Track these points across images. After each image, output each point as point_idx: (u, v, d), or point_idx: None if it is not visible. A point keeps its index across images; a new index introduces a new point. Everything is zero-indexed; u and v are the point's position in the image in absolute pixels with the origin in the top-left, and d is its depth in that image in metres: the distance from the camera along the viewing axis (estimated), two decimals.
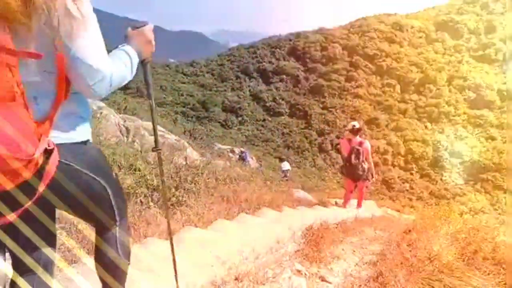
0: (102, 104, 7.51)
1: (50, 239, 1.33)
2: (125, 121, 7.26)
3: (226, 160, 9.76)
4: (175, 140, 8.30)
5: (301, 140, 44.88)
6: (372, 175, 6.83)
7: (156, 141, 1.68)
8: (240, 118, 48.26)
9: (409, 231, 4.43)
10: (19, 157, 0.88)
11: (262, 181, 7.15)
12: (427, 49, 55.94)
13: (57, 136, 1.10)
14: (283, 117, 49.00)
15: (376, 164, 42.30)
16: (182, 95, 49.94)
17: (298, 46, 60.26)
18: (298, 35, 64.02)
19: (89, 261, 2.06)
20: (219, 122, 46.71)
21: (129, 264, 1.49)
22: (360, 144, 6.63)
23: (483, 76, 49.12)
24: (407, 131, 45.34)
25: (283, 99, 51.48)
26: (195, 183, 4.57)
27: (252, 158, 16.35)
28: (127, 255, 1.48)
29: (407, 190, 37.30)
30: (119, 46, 1.28)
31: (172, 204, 3.67)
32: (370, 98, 51.27)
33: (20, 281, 1.26)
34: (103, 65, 1.10)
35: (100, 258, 1.42)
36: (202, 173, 4.92)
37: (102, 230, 1.39)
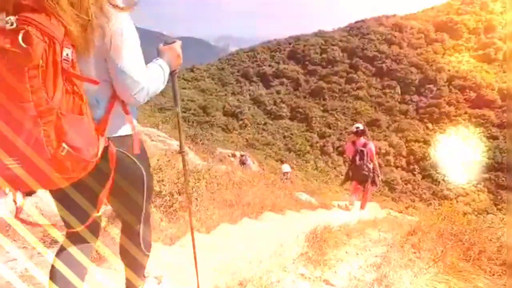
0: None
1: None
2: None
3: (228, 164, 9.78)
4: (177, 145, 8.32)
5: (303, 143, 44.89)
6: (378, 175, 6.91)
7: (181, 144, 1.88)
8: (241, 122, 48.35)
9: (413, 232, 4.42)
10: (86, 158, 1.16)
11: (264, 184, 7.15)
12: (426, 49, 56.02)
13: (111, 130, 1.33)
14: (284, 121, 49.04)
15: (379, 166, 42.13)
16: (183, 100, 50.02)
17: (297, 49, 60.46)
18: (297, 38, 64.23)
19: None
20: (220, 126, 46.79)
21: (148, 256, 1.72)
22: (364, 145, 6.75)
23: (484, 76, 49.10)
24: (408, 132, 45.32)
25: (283, 102, 51.58)
26: (196, 188, 4.57)
27: (253, 162, 16.34)
28: (149, 248, 1.71)
29: (409, 191, 37.19)
30: (154, 60, 1.49)
31: (174, 210, 3.68)
32: (371, 100, 51.31)
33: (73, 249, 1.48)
34: (143, 78, 1.31)
35: (125, 256, 1.67)
36: (204, 178, 4.92)
37: (128, 226, 1.62)
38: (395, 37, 58.62)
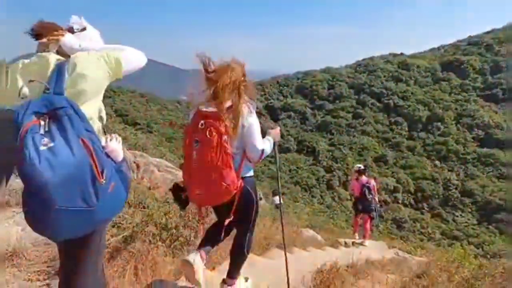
0: None
1: None
2: (135, 157, 7.33)
3: None
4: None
5: (309, 177, 44.54)
6: (375, 209, 7.99)
7: (280, 198, 3.17)
8: None
9: (422, 275, 4.28)
10: (233, 189, 2.17)
11: (270, 219, 7.05)
12: (433, 88, 56.63)
13: (242, 173, 2.29)
14: (290, 154, 49.02)
15: (386, 203, 41.72)
16: None
17: (305, 84, 61.55)
18: (305, 73, 65.55)
19: None
20: None
21: (247, 256, 2.65)
22: (368, 182, 7.85)
23: (492, 115, 49.15)
24: (416, 168, 44.88)
25: (290, 135, 51.80)
26: (202, 221, 4.52)
27: (261, 198, 16.26)
28: (248, 251, 2.60)
29: (418, 230, 36.25)
30: (266, 136, 2.51)
31: (180, 244, 3.63)
32: (378, 135, 51.36)
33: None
34: (262, 146, 2.30)
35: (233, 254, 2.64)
36: (211, 212, 4.88)
37: (239, 234, 2.56)
38: (402, 74, 59.56)
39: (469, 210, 38.71)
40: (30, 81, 1.48)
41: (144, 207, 4.13)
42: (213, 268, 3.38)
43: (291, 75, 67.78)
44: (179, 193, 2.43)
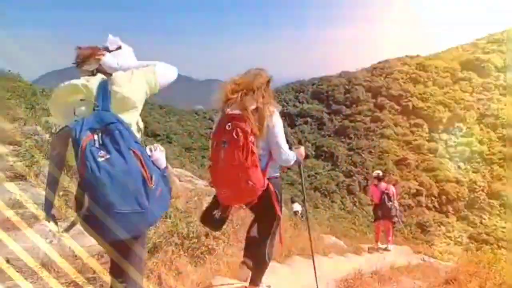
0: None
1: None
2: None
3: None
4: (204, 185, 8.40)
5: (328, 182, 44.04)
6: (397, 215, 7.97)
7: (305, 208, 3.86)
8: None
9: (451, 281, 4.15)
10: (259, 188, 2.25)
11: (290, 226, 7.00)
12: (453, 88, 55.25)
13: (269, 174, 2.39)
14: (309, 160, 48.64)
15: (409, 207, 40.73)
16: (208, 139, 51.00)
17: (321, 90, 61.21)
18: (321, 78, 65.24)
19: None
20: None
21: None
22: (387, 188, 7.85)
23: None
24: (439, 171, 43.70)
25: (308, 141, 51.47)
26: (223, 230, 4.54)
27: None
28: (271, 256, 2.65)
29: (444, 234, 35.18)
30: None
31: (201, 253, 3.65)
32: (398, 138, 50.41)
33: None
34: (288, 150, 2.44)
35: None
36: (231, 221, 4.89)
37: (258, 246, 2.53)
38: (420, 76, 58.42)
39: (497, 212, 37.31)
40: (81, 100, 1.69)
41: (166, 217, 4.18)
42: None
43: (306, 80, 67.55)
44: (212, 213, 2.48)
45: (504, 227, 34.62)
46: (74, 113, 1.66)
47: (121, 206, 1.50)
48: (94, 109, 1.64)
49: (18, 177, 4.04)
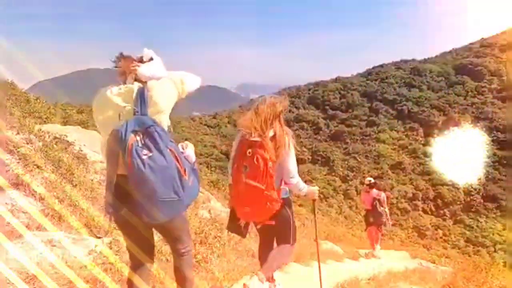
0: None
1: None
2: None
3: None
4: (200, 193, 8.35)
5: (325, 187, 44.02)
6: (388, 220, 8.12)
7: (316, 232, 3.42)
8: None
9: (448, 286, 4.13)
10: (275, 208, 2.49)
11: None
12: (448, 92, 55.71)
13: (281, 195, 2.57)
14: (305, 165, 48.66)
15: (405, 211, 40.75)
16: (205, 146, 50.95)
17: (317, 95, 61.45)
18: (316, 84, 65.54)
19: None
20: None
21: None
22: (379, 195, 7.93)
23: (511, 117, 47.84)
24: (435, 174, 43.84)
25: (304, 146, 51.53)
26: (219, 239, 4.50)
27: None
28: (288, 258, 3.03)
29: (440, 238, 35.19)
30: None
31: (197, 261, 3.60)
32: (393, 142, 50.61)
33: None
34: (296, 173, 2.59)
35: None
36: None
37: (279, 242, 2.72)
38: (414, 80, 58.88)
39: (493, 215, 37.43)
40: (124, 106, 1.93)
41: None
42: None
43: (302, 86, 67.82)
44: (238, 223, 2.73)
45: (500, 230, 34.72)
46: (119, 118, 1.90)
47: (163, 195, 1.81)
48: (134, 114, 1.89)
49: (11, 185, 3.98)
